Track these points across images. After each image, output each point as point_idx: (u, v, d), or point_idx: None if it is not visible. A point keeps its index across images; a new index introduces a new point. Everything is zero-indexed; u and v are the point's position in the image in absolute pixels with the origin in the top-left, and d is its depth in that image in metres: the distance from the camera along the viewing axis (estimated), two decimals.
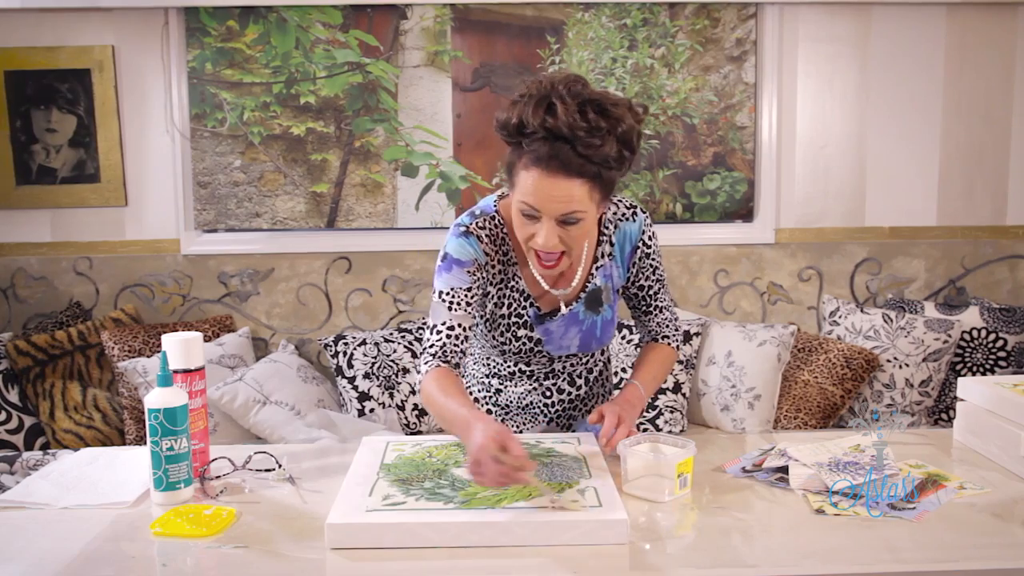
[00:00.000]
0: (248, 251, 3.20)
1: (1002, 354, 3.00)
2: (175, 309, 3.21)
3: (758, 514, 1.22)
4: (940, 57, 3.20)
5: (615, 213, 1.51)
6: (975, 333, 3.03)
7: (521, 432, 1.63)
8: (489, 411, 1.65)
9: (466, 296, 1.44)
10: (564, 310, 1.51)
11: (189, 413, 1.30)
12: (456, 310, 1.43)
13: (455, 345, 1.43)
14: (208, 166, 3.13)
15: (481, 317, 1.54)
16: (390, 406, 2.92)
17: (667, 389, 2.92)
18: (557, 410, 1.62)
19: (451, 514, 1.14)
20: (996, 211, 3.28)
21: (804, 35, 3.17)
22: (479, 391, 1.67)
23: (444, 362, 1.42)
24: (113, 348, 2.92)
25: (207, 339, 3.04)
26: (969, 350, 3.03)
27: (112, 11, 3.07)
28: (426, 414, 2.94)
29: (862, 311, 3.10)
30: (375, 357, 2.98)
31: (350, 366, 2.97)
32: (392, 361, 2.98)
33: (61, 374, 2.91)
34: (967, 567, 1.06)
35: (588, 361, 1.63)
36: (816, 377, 2.95)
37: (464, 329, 1.44)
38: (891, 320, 3.02)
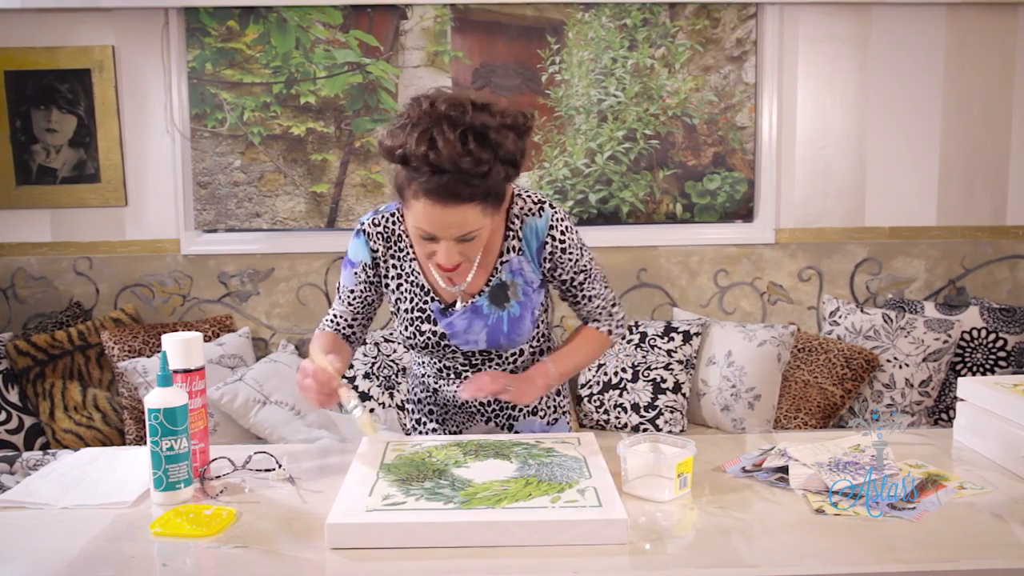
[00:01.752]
0: (248, 251, 3.20)
1: (1002, 354, 3.00)
2: (175, 309, 3.21)
3: (758, 514, 1.22)
4: (940, 57, 3.20)
5: (521, 208, 1.49)
6: (975, 333, 3.03)
7: (461, 432, 1.63)
8: (431, 410, 1.66)
9: (349, 296, 1.58)
10: (459, 304, 1.51)
11: (189, 413, 1.30)
12: (339, 306, 1.60)
13: (337, 327, 1.61)
14: (208, 166, 3.13)
15: (392, 313, 1.60)
16: (390, 406, 2.92)
17: (667, 389, 2.92)
18: (494, 409, 1.62)
19: (451, 514, 1.14)
20: (996, 211, 3.28)
21: (804, 35, 3.18)
22: (420, 391, 1.68)
23: (333, 330, 1.60)
24: (113, 348, 2.92)
25: (207, 339, 3.04)
26: (969, 350, 3.03)
27: (112, 11, 3.07)
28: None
29: (862, 311, 3.10)
30: (375, 357, 2.98)
31: (350, 366, 2.97)
32: (392, 361, 2.98)
33: (61, 374, 2.91)
34: (967, 567, 1.06)
35: (516, 360, 1.59)
36: (816, 377, 2.95)
37: (345, 320, 1.60)
38: (891, 320, 3.02)
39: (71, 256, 3.18)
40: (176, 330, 2.97)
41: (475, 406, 1.61)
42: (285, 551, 1.11)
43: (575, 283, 1.56)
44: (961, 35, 3.19)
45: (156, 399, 1.25)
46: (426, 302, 1.52)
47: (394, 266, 1.54)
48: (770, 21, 3.16)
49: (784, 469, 1.35)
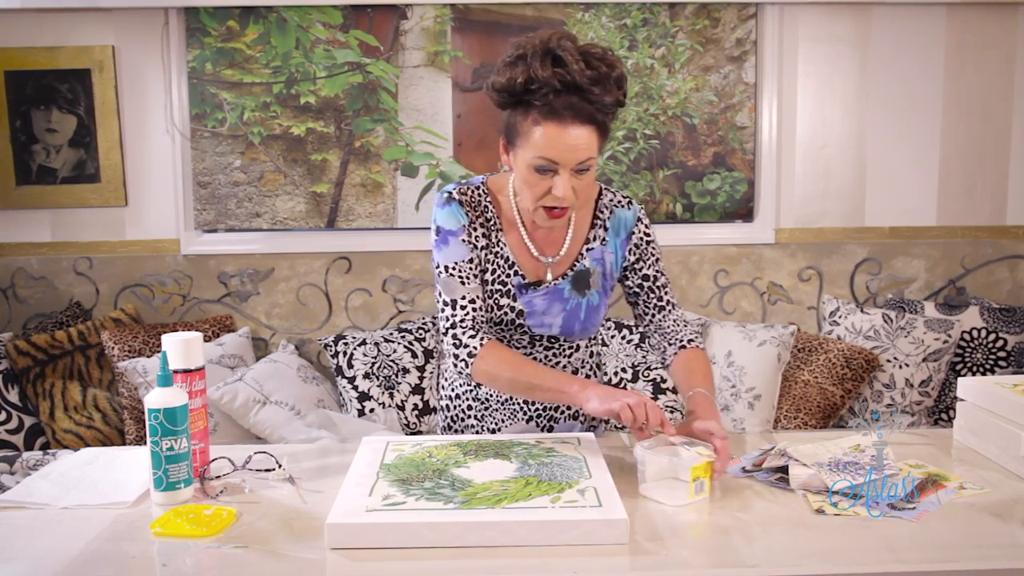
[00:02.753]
0: (248, 251, 3.20)
1: (1002, 354, 3.00)
2: (175, 309, 3.21)
3: (758, 514, 1.22)
4: (940, 57, 3.20)
5: (611, 200, 1.56)
6: (975, 333, 3.03)
7: (500, 429, 1.61)
8: (469, 406, 1.62)
9: (471, 268, 1.48)
10: (549, 279, 1.51)
11: (189, 413, 1.30)
12: (469, 283, 1.48)
13: (484, 317, 1.49)
14: (208, 166, 3.13)
15: None
16: (390, 406, 2.92)
17: (667, 389, 2.92)
18: (538, 408, 1.60)
19: (451, 514, 1.14)
20: (996, 211, 3.28)
21: (804, 35, 3.18)
22: (460, 384, 1.63)
23: (486, 334, 1.48)
24: (113, 348, 2.92)
25: (207, 339, 3.04)
26: (969, 350, 3.03)
27: (112, 11, 3.07)
28: (426, 414, 2.94)
29: (862, 311, 3.10)
30: (375, 357, 2.98)
31: (350, 366, 2.97)
32: (392, 361, 2.98)
33: (61, 374, 2.91)
34: (967, 567, 1.06)
35: (571, 354, 1.59)
36: (816, 377, 2.95)
37: (483, 301, 1.49)
38: (891, 320, 3.03)
39: (71, 256, 3.18)
40: (176, 330, 2.97)
41: (519, 403, 1.59)
42: (285, 551, 1.11)
43: (657, 283, 1.57)
44: (961, 35, 3.19)
45: (156, 399, 1.25)
46: (509, 275, 1.51)
47: (484, 235, 1.51)
48: (770, 21, 3.16)
49: (784, 469, 1.35)
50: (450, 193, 1.50)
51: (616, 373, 2.97)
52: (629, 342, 3.02)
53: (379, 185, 3.17)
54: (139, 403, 2.85)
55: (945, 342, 2.96)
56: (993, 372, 3.00)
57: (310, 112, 3.13)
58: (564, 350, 1.58)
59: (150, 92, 3.13)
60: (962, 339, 3.04)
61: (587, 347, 1.62)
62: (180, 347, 1.36)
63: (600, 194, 1.56)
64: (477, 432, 1.62)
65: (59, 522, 1.23)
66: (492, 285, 1.51)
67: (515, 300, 1.50)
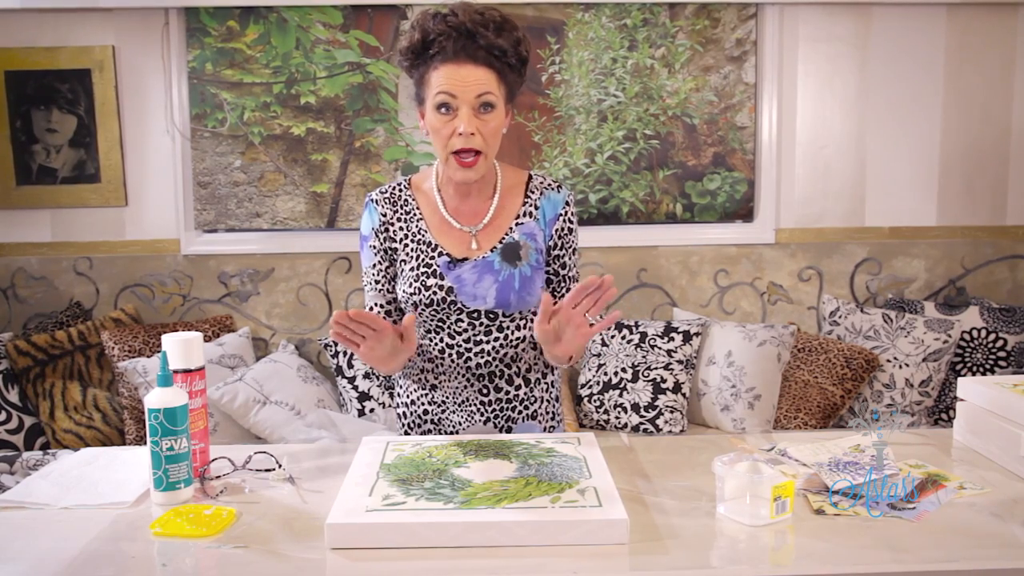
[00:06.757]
0: (248, 251, 3.20)
1: (1002, 354, 3.00)
2: (175, 309, 3.21)
3: None
4: (940, 57, 3.20)
5: (541, 182, 1.59)
6: (975, 333, 3.03)
7: (457, 432, 1.60)
8: (425, 411, 1.62)
9: (374, 274, 1.58)
10: (474, 247, 1.53)
11: (189, 413, 1.30)
12: (371, 290, 1.59)
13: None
14: (208, 166, 3.13)
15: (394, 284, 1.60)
16: (390, 406, 2.92)
17: (667, 389, 2.92)
18: (495, 409, 1.60)
19: (451, 514, 1.14)
20: (996, 211, 3.28)
21: (804, 35, 3.18)
22: (416, 390, 1.64)
23: None
24: (113, 348, 2.92)
25: (207, 339, 3.04)
26: (969, 350, 3.03)
27: (112, 11, 3.08)
28: None
29: (862, 311, 3.10)
30: None
31: (350, 366, 2.97)
32: None
33: (61, 374, 2.91)
34: (967, 567, 1.06)
35: (513, 331, 1.56)
36: (816, 377, 2.95)
37: (380, 307, 1.58)
38: (891, 320, 3.03)
39: (71, 256, 3.18)
40: (176, 330, 2.97)
41: (475, 404, 1.60)
42: (285, 551, 1.11)
43: (569, 273, 1.59)
44: (961, 35, 3.19)
45: (156, 399, 1.25)
46: (432, 258, 1.53)
47: (401, 228, 1.56)
48: (770, 21, 3.16)
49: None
50: (371, 197, 1.60)
51: (616, 373, 2.97)
52: (629, 342, 3.02)
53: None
54: (139, 403, 2.85)
55: (945, 342, 2.96)
56: (993, 372, 3.00)
57: (310, 112, 3.13)
58: (504, 326, 1.56)
59: (150, 92, 3.13)
60: (962, 339, 3.04)
61: (529, 326, 1.59)
62: (180, 347, 1.36)
63: (530, 178, 1.60)
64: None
65: (59, 522, 1.22)
66: (417, 269, 1.53)
67: (443, 279, 1.52)
